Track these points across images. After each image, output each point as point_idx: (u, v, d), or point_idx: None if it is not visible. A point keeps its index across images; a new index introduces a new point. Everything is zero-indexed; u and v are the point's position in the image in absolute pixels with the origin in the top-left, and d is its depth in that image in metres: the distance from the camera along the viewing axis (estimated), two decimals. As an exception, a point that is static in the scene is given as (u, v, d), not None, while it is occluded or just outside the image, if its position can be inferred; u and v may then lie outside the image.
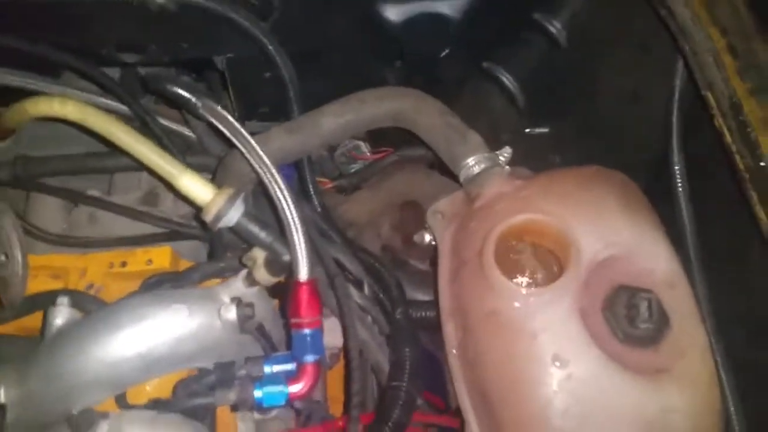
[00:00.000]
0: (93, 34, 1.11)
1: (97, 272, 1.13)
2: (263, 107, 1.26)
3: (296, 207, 0.89)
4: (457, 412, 0.93)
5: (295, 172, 1.17)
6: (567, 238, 0.79)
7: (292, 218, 0.88)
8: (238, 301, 0.93)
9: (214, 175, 1.09)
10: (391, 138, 1.35)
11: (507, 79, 1.27)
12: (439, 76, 1.26)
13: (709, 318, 0.89)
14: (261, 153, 0.90)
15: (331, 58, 1.21)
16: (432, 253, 1.28)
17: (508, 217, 0.82)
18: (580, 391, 0.76)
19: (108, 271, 1.13)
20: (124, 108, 1.21)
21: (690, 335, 0.83)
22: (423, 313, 1.11)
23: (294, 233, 0.88)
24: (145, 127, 1.17)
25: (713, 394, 0.81)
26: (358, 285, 1.09)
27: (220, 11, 1.01)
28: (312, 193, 1.16)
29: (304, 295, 0.89)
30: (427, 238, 1.30)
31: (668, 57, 0.95)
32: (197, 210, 0.93)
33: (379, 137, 1.39)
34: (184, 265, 1.18)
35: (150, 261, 1.14)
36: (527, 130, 1.27)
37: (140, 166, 1.16)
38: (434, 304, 1.06)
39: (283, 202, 0.88)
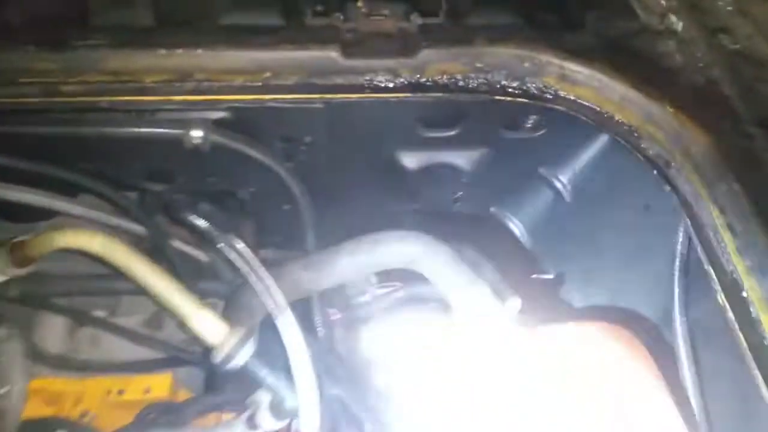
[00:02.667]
0: (128, 165, 1.16)
1: (94, 399, 1.12)
2: (279, 236, 1.30)
3: (307, 351, 0.90)
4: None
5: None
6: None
7: (303, 365, 0.88)
8: (239, 451, 0.91)
9: (226, 304, 1.10)
10: (399, 273, 1.37)
11: (514, 225, 1.33)
12: (451, 217, 1.31)
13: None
14: (276, 294, 0.92)
15: (349, 197, 1.26)
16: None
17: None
18: None
19: (105, 398, 1.12)
20: (140, 228, 1.23)
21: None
22: None
23: (303, 381, 0.88)
24: (158, 252, 1.19)
25: None
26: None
27: (250, 153, 1.06)
28: (320, 326, 1.17)
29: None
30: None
31: (669, 220, 0.98)
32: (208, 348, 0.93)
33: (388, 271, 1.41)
34: (183, 394, 1.17)
35: (148, 390, 1.14)
36: (533, 276, 1.30)
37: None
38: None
39: (295, 347, 0.89)
